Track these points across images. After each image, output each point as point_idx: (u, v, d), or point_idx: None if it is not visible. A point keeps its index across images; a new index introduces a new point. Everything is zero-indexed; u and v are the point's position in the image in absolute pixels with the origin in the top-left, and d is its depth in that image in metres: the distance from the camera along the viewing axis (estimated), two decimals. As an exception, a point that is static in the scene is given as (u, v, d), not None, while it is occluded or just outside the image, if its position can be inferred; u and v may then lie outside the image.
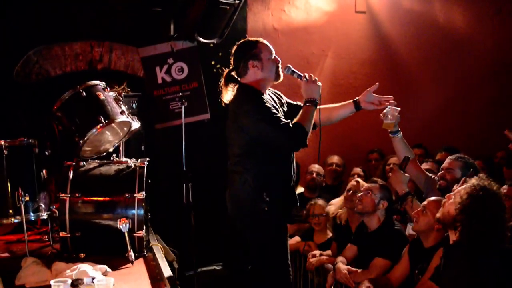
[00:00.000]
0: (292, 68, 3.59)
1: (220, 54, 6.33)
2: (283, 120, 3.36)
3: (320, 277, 4.34)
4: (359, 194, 4.15)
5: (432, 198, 3.52)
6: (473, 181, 2.86)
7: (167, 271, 3.73)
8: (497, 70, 6.97)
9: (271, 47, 3.60)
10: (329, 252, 4.57)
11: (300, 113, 3.47)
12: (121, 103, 4.32)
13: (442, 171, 3.92)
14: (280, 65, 3.59)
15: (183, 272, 5.36)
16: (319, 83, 3.50)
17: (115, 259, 3.80)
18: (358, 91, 6.54)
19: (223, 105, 3.76)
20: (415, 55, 6.77)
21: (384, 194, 4.04)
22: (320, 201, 4.87)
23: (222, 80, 3.66)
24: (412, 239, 3.74)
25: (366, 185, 4.23)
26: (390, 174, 4.07)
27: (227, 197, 3.64)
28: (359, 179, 4.72)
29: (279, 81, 3.63)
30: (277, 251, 3.49)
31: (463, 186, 2.89)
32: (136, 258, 3.91)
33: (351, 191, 4.50)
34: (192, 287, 5.13)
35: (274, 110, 3.41)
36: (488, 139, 6.73)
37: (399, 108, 4.03)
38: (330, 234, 4.84)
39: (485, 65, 6.92)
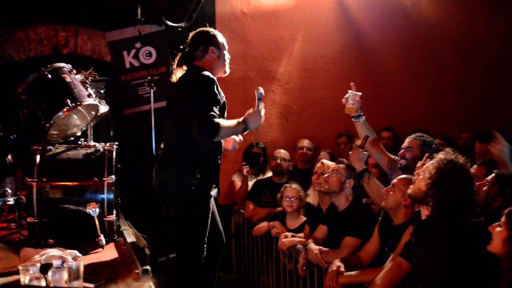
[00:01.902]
0: (262, 92, 3.73)
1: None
2: (214, 114, 3.48)
3: (292, 260, 4.37)
4: (326, 175, 4.21)
5: (401, 176, 3.58)
6: (440, 155, 2.91)
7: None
8: (465, 51, 7.07)
9: (222, 39, 3.83)
10: (301, 234, 4.61)
11: (231, 121, 3.60)
12: (88, 86, 4.27)
13: (402, 150, 3.99)
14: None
15: (154, 258, 5.34)
16: (262, 121, 3.68)
17: (85, 244, 3.79)
18: (328, 75, 6.70)
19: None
20: (383, 39, 6.83)
21: (350, 173, 4.11)
22: (295, 185, 4.89)
23: (176, 61, 3.82)
24: (381, 217, 3.80)
25: (332, 166, 4.29)
26: (349, 152, 4.14)
27: (155, 172, 3.74)
28: (324, 160, 4.78)
29: (226, 74, 3.88)
30: (200, 228, 3.64)
31: (431, 162, 2.94)
32: (107, 242, 3.89)
33: (317, 173, 4.56)
34: (163, 273, 5.12)
35: (216, 107, 3.54)
36: (457, 121, 6.86)
37: (360, 93, 4.11)
38: (303, 219, 4.86)
39: (452, 46, 7.01)
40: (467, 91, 7.07)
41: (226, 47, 3.85)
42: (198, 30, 3.90)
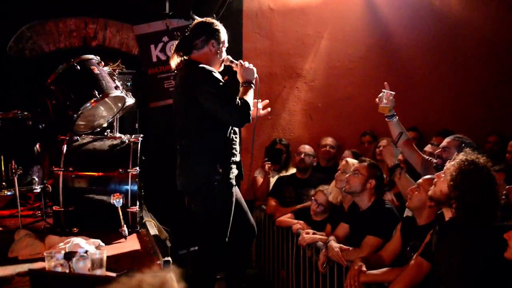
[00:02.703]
0: (230, 58, 3.85)
1: (215, 32, 6.30)
2: (234, 98, 3.58)
3: (312, 256, 4.36)
4: (347, 175, 4.19)
5: (426, 176, 3.54)
6: (461, 156, 2.87)
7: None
8: (494, 52, 6.94)
9: (223, 32, 3.84)
10: (323, 233, 4.59)
11: (240, 93, 3.69)
12: (116, 78, 4.30)
13: (439, 150, 3.95)
14: (226, 56, 3.84)
15: (175, 251, 5.38)
16: (253, 67, 3.78)
17: (108, 234, 3.82)
18: (353, 74, 6.66)
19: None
20: (411, 38, 6.75)
21: (372, 173, 4.07)
22: (326, 192, 4.86)
23: (175, 45, 3.85)
24: (405, 217, 3.77)
25: (354, 165, 4.26)
26: (381, 148, 4.12)
27: (178, 173, 3.78)
28: (348, 159, 4.75)
29: (221, 69, 3.86)
30: (222, 222, 3.69)
31: (452, 163, 2.90)
32: (130, 233, 3.92)
33: (341, 171, 4.54)
34: (184, 266, 5.15)
35: (226, 89, 3.61)
36: (483, 123, 6.75)
37: (393, 92, 4.08)
38: (327, 214, 4.86)
39: (481, 47, 6.89)
40: (495, 93, 6.95)
41: (226, 45, 3.85)
42: (204, 19, 3.90)
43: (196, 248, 5.65)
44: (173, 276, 1.17)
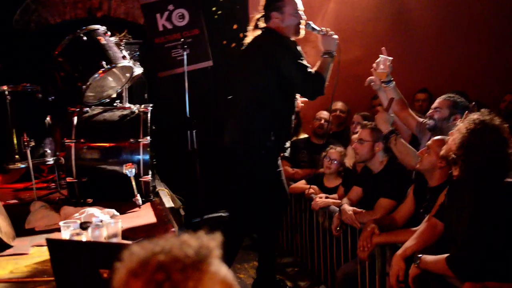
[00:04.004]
0: (312, 25, 3.82)
1: (220, 0, 6.24)
2: (310, 69, 3.66)
3: (326, 218, 4.39)
4: (353, 145, 4.17)
5: (437, 137, 3.51)
6: (474, 115, 2.83)
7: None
8: (506, 7, 6.77)
9: (298, 3, 3.83)
10: (335, 195, 4.61)
11: (318, 63, 3.75)
12: (123, 48, 4.29)
13: (431, 111, 3.91)
14: (303, 22, 3.82)
15: (189, 219, 5.44)
16: (336, 36, 3.80)
17: (122, 204, 3.87)
18: (362, 36, 6.58)
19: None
20: (419, -1, 6.64)
21: (377, 136, 4.04)
22: (339, 148, 4.87)
23: (252, 24, 3.92)
24: (417, 179, 3.76)
25: (360, 132, 4.24)
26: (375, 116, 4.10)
27: (231, 129, 3.86)
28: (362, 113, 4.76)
29: (298, 37, 3.84)
30: (265, 189, 3.82)
31: (463, 121, 2.87)
32: (143, 202, 3.96)
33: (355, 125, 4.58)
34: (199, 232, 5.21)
35: (303, 58, 3.69)
36: (497, 82, 6.66)
37: (391, 58, 4.02)
38: (340, 180, 4.86)
39: (497, 4, 6.75)
40: (507, 51, 6.83)
41: (298, 8, 3.80)
42: None
43: (211, 215, 5.78)
44: (216, 242, 1.18)
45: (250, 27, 3.92)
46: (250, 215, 3.88)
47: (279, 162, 3.90)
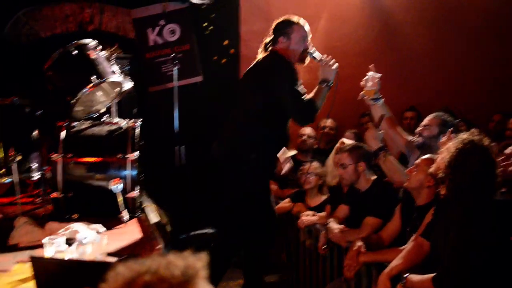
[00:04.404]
0: (314, 53, 3.90)
1: (212, 15, 6.27)
2: (305, 96, 3.72)
3: (312, 238, 4.38)
4: (338, 172, 4.16)
5: (425, 156, 3.53)
6: (464, 135, 2.86)
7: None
8: (497, 26, 6.83)
9: (307, 32, 3.93)
10: (322, 214, 4.60)
11: (314, 91, 3.81)
12: (113, 63, 4.29)
13: (420, 128, 3.94)
14: (309, 51, 3.90)
15: (176, 236, 5.41)
16: (336, 66, 3.86)
17: (108, 219, 3.82)
18: (352, 54, 6.61)
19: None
20: (409, 16, 6.68)
21: (356, 157, 4.05)
22: (314, 163, 4.88)
23: (261, 47, 4.00)
24: (404, 197, 3.77)
25: (338, 156, 4.24)
26: (365, 125, 4.13)
27: (223, 143, 3.90)
28: (344, 139, 4.76)
29: (301, 64, 3.93)
30: (259, 206, 3.85)
31: (453, 141, 2.89)
32: (130, 218, 3.93)
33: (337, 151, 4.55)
34: (185, 249, 5.18)
35: (300, 85, 3.75)
36: (486, 102, 6.71)
37: (379, 74, 4.05)
38: (324, 197, 4.86)
39: (483, 21, 6.79)
40: (498, 70, 6.86)
41: (306, 37, 3.89)
42: (282, 18, 4.01)
43: (197, 232, 5.75)
44: (202, 262, 1.17)
45: (260, 49, 4.00)
46: (239, 233, 3.86)
47: (268, 187, 3.94)
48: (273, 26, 3.96)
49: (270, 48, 3.92)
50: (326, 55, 3.89)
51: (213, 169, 3.99)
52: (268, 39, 3.96)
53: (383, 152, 3.90)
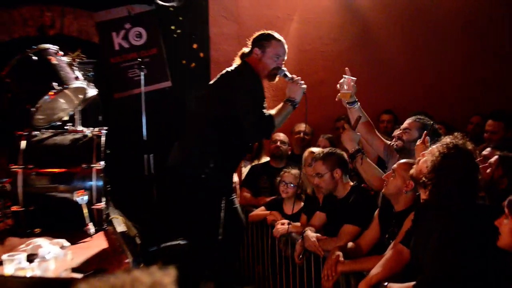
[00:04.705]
0: (285, 72, 3.99)
1: (180, 18, 6.25)
2: (264, 110, 3.76)
3: (288, 247, 4.37)
4: (315, 180, 4.16)
5: (402, 160, 3.56)
6: (448, 139, 2.88)
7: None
8: (472, 27, 6.95)
9: (283, 51, 4.01)
10: (298, 224, 4.60)
11: (277, 107, 3.86)
12: (75, 68, 4.22)
13: (400, 131, 3.98)
14: (280, 69, 3.97)
15: (145, 248, 5.34)
16: (304, 86, 3.92)
17: (73, 233, 3.74)
18: (325, 57, 6.66)
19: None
20: (384, 18, 6.78)
21: (331, 164, 4.07)
22: (294, 171, 4.88)
23: (239, 55, 4.10)
24: (382, 204, 3.79)
25: (313, 166, 4.25)
26: (341, 130, 4.16)
27: (176, 151, 3.96)
28: (313, 149, 4.75)
29: (270, 81, 4.02)
30: (210, 219, 3.86)
31: (437, 144, 2.92)
32: (96, 232, 3.87)
33: (308, 164, 4.54)
34: (155, 263, 5.11)
35: (264, 101, 3.82)
36: (462, 104, 6.81)
37: (355, 78, 4.10)
38: (302, 205, 4.86)
39: (457, 22, 6.93)
40: (474, 72, 6.99)
41: (280, 54, 3.96)
42: (264, 31, 4.06)
43: (168, 244, 5.68)
44: (170, 278, 1.14)
45: (236, 58, 4.08)
46: (205, 245, 3.85)
47: (220, 202, 3.92)
48: (252, 37, 4.03)
49: (244, 59, 3.99)
50: (296, 76, 3.97)
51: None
52: (245, 49, 4.03)
53: (360, 155, 3.93)
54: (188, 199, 3.92)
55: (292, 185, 4.79)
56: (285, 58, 4.03)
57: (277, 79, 4.01)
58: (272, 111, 3.82)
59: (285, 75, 3.96)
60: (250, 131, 3.78)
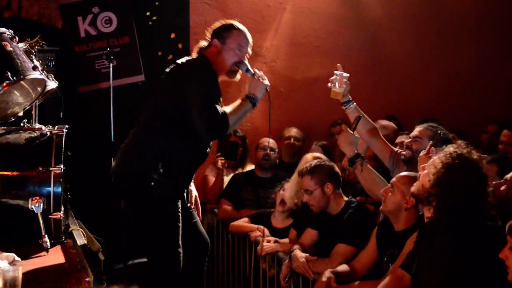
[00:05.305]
0: (248, 66, 3.92)
1: (156, 3, 6.25)
2: (218, 107, 3.68)
3: (274, 267, 4.37)
4: (305, 197, 4.18)
5: (402, 173, 3.58)
6: (450, 148, 2.90)
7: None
8: (485, 28, 7.01)
9: (247, 42, 3.93)
10: (286, 240, 4.60)
11: (233, 104, 3.78)
12: (34, 57, 4.20)
13: (409, 140, 3.99)
14: (242, 62, 3.90)
15: (110, 265, 5.32)
16: (267, 83, 3.87)
17: (25, 246, 3.73)
18: (321, 52, 6.68)
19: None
20: (388, 10, 6.82)
21: (321, 178, 4.09)
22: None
23: (196, 48, 4.03)
24: (380, 222, 3.80)
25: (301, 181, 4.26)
26: (337, 135, 4.17)
27: (114, 161, 3.94)
28: (308, 155, 4.89)
29: (232, 79, 3.96)
30: (165, 232, 3.75)
31: (439, 155, 2.93)
32: (52, 245, 3.84)
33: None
34: (121, 282, 5.09)
35: (218, 98, 3.76)
36: (473, 110, 6.85)
37: (347, 74, 4.11)
38: (291, 221, 4.88)
39: (470, 22, 6.98)
40: (492, 74, 7.04)
41: (243, 46, 3.90)
42: (224, 21, 4.02)
43: (136, 261, 5.66)
44: None
45: (194, 51, 4.03)
46: (164, 262, 3.80)
47: (175, 211, 3.80)
48: (211, 29, 3.99)
49: (199, 51, 3.96)
50: (259, 71, 3.93)
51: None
52: (203, 43, 3.99)
53: (360, 160, 3.94)
54: (137, 211, 3.83)
55: (288, 201, 4.81)
56: (250, 51, 3.97)
57: (239, 76, 3.96)
58: (227, 108, 3.75)
59: (247, 70, 3.91)
60: (200, 130, 3.70)
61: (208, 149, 3.93)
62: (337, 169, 4.19)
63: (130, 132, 3.96)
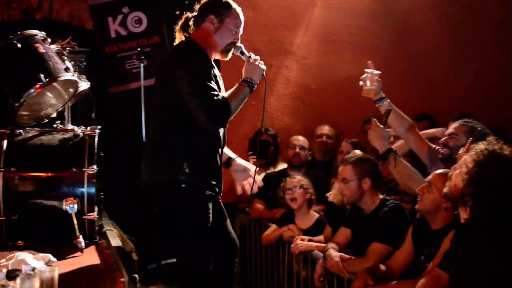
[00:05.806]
0: (243, 49, 3.80)
1: (186, 2, 6.26)
2: (216, 95, 3.53)
3: (307, 267, 4.37)
4: (338, 186, 4.17)
5: (439, 171, 3.54)
6: (481, 146, 2.86)
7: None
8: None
9: (241, 23, 3.80)
10: (321, 237, 4.60)
11: (231, 90, 3.66)
12: (66, 58, 4.27)
13: (445, 137, 3.95)
14: (236, 45, 3.78)
15: (144, 265, 5.36)
16: (263, 67, 3.77)
17: (61, 247, 3.81)
18: (353, 49, 6.65)
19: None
20: (421, 5, 6.75)
21: (362, 171, 4.06)
22: (298, 177, 4.92)
23: (179, 24, 3.83)
24: (417, 220, 3.77)
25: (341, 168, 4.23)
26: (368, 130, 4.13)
27: (142, 169, 3.73)
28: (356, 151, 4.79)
29: (224, 59, 3.82)
30: (197, 234, 3.63)
31: (470, 153, 2.90)
32: (87, 245, 3.91)
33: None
34: (154, 282, 5.13)
35: (212, 82, 3.59)
36: (509, 107, 6.76)
37: (379, 72, 4.09)
38: (316, 217, 4.87)
39: (504, 12, 6.87)
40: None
41: (239, 27, 3.78)
42: None
43: (169, 261, 5.70)
44: None
45: (177, 27, 3.83)
46: (196, 268, 3.74)
47: (207, 208, 3.70)
48: (202, 3, 3.78)
49: (186, 35, 3.77)
50: (254, 54, 3.81)
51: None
52: (191, 15, 3.80)
53: (393, 155, 3.91)
54: (171, 215, 3.69)
55: (298, 187, 4.83)
56: (241, 31, 3.84)
57: (230, 55, 3.81)
58: (225, 94, 3.63)
59: (242, 52, 3.78)
60: (203, 120, 3.54)
61: (223, 132, 3.78)
62: (379, 169, 4.16)
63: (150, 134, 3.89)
